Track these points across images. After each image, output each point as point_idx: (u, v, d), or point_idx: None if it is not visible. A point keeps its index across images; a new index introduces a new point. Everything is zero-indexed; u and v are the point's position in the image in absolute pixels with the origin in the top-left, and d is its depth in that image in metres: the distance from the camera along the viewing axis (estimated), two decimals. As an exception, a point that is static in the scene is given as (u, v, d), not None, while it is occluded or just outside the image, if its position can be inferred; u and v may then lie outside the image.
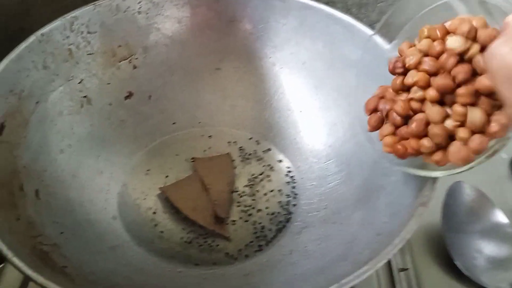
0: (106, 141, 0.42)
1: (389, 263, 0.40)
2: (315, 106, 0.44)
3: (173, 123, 0.46)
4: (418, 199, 0.30)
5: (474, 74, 0.26)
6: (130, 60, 0.44)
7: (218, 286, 0.34)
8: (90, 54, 0.42)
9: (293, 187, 0.41)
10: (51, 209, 0.34)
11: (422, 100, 0.28)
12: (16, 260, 0.25)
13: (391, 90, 0.31)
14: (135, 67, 0.44)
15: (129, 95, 0.44)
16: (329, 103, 0.43)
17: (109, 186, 0.40)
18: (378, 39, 0.35)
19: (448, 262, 0.39)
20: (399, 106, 0.29)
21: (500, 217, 0.40)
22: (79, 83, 0.41)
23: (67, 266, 0.29)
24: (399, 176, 0.33)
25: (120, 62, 0.43)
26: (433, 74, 0.28)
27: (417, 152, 0.28)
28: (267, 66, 0.46)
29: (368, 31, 0.39)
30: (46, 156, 0.37)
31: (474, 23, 0.26)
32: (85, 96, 0.41)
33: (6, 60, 0.35)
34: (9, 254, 0.25)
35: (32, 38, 0.37)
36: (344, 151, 0.41)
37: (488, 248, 0.39)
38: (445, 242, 0.39)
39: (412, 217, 0.28)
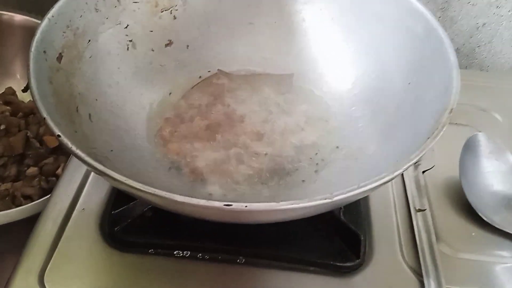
0: (148, 82, 0.46)
1: (407, 204, 0.43)
2: (342, 59, 0.47)
3: (208, 71, 0.49)
4: (434, 127, 0.32)
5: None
6: (171, 11, 0.48)
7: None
8: (135, 2, 0.46)
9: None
10: (102, 131, 0.38)
11: None
12: (81, 154, 0.29)
13: None
14: (175, 17, 0.48)
15: (169, 43, 0.48)
16: (356, 56, 0.46)
17: (152, 120, 0.44)
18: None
19: (464, 206, 0.42)
20: None
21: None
22: (125, 28, 0.45)
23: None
24: (417, 115, 0.36)
25: (162, 12, 0.47)
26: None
27: None
28: (297, 21, 0.49)
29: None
30: (97, 88, 0.41)
31: None
32: (130, 40, 0.45)
33: None
34: (76, 150, 0.29)
35: (86, -18, 0.41)
36: (369, 98, 0.43)
37: (503, 191, 0.41)
38: (461, 187, 0.42)
39: (428, 139, 0.31)
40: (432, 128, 0.31)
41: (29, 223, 0.41)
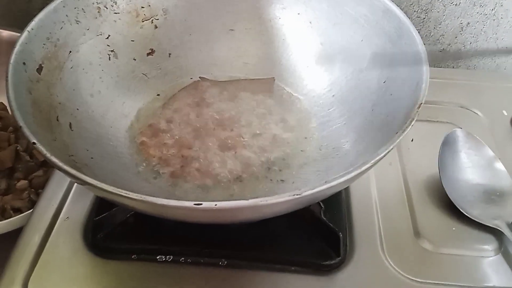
0: (130, 90, 0.46)
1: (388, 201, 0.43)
2: (320, 61, 0.48)
3: (190, 78, 0.50)
4: (404, 122, 0.33)
5: None
6: (152, 20, 0.49)
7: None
8: (116, 13, 0.46)
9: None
10: (83, 139, 0.39)
11: None
12: (55, 159, 0.29)
13: None
14: (156, 26, 0.49)
15: (151, 52, 0.49)
16: (334, 58, 0.47)
17: (134, 127, 0.44)
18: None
19: (444, 201, 0.42)
20: None
21: (491, 155, 0.43)
22: (107, 38, 0.46)
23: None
24: (391, 112, 0.37)
25: (143, 21, 0.48)
26: None
27: None
28: (277, 26, 0.50)
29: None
30: (78, 97, 0.42)
31: None
32: (112, 50, 0.46)
33: (44, 11, 0.40)
34: (51, 156, 0.29)
35: (66, -5, 0.42)
36: (347, 98, 0.44)
37: (482, 185, 0.42)
38: (441, 182, 0.42)
39: (396, 133, 0.31)
40: (402, 123, 0.32)
41: (18, 235, 0.42)
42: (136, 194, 0.27)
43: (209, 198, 0.39)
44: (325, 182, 0.27)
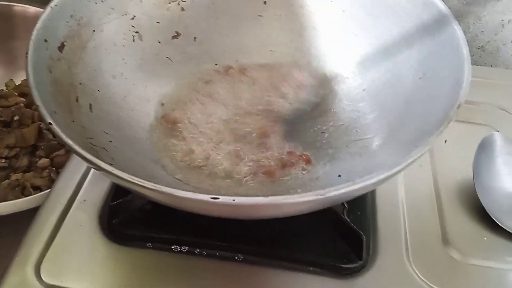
0: (154, 74, 0.45)
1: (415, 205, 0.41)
2: (353, 53, 0.45)
3: (215, 64, 0.48)
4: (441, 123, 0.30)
5: None
6: (179, 2, 0.47)
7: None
8: (143, -7, 0.45)
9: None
10: (102, 122, 0.38)
11: None
12: (69, 141, 0.28)
13: None
14: (183, 9, 0.47)
15: (177, 35, 0.47)
16: (366, 49, 0.44)
17: (155, 112, 0.43)
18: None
19: (477, 209, 0.40)
20: None
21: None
22: (132, 19, 0.44)
23: (112, 164, 0.33)
24: (426, 111, 0.34)
25: (169, 3, 0.47)
26: None
27: None
28: (307, 14, 0.47)
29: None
30: (100, 78, 0.41)
31: None
32: (137, 32, 0.45)
33: (68, -12, 0.39)
34: (66, 138, 0.28)
35: (92, -29, 0.41)
36: (378, 93, 0.42)
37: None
38: (475, 188, 0.40)
39: (431, 135, 0.29)
40: (438, 124, 0.29)
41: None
42: (151, 184, 0.25)
43: (231, 191, 0.38)
44: (351, 183, 0.25)
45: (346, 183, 0.25)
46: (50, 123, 0.29)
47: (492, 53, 0.68)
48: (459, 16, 0.63)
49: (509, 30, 0.64)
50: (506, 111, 0.49)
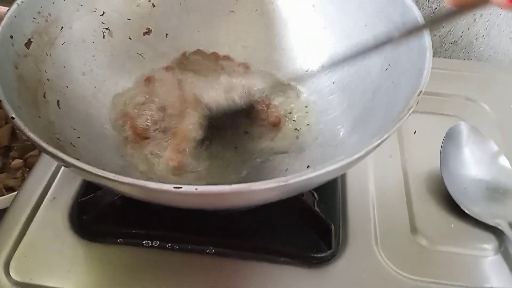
0: (125, 70, 0.45)
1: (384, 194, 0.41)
2: (322, 46, 0.46)
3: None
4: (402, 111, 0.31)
5: None
6: (150, -1, 0.47)
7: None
8: (112, -11, 0.45)
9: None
10: (70, 118, 0.37)
11: None
12: (31, 134, 0.28)
13: None
14: (154, 5, 0.47)
15: (148, 32, 0.47)
16: (336, 43, 0.45)
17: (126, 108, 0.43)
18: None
19: (444, 197, 0.40)
20: None
21: (496, 151, 0.41)
22: (102, 15, 0.44)
23: (78, 159, 0.32)
24: (392, 99, 0.35)
25: (140, 0, 0.46)
26: None
27: None
28: (278, 9, 0.48)
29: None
30: (69, 75, 0.40)
31: None
32: (107, 28, 0.45)
33: (35, -16, 0.39)
34: (28, 132, 0.28)
35: (59, -34, 0.40)
36: (347, 85, 0.42)
37: (484, 182, 0.40)
38: (442, 177, 0.40)
39: (392, 122, 0.29)
40: (400, 111, 0.30)
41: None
42: (114, 175, 0.25)
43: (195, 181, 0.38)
44: (314, 169, 0.25)
45: (307, 169, 0.25)
46: (12, 117, 0.28)
47: (465, 48, 0.69)
48: (431, 12, 0.64)
49: (481, 24, 0.66)
50: (474, 102, 0.50)
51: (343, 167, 0.26)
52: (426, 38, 0.34)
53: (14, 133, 0.61)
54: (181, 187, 0.25)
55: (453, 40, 0.69)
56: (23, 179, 0.56)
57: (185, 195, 0.26)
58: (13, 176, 0.57)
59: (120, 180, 0.25)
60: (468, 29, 0.67)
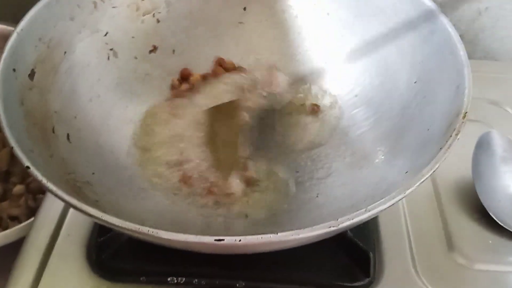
0: (133, 92, 0.42)
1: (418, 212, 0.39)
2: (340, 56, 0.44)
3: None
4: (446, 134, 0.29)
5: None
6: (154, 14, 0.44)
7: (245, 225, 0.34)
8: (114, 7, 0.42)
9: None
10: (82, 152, 0.35)
11: None
12: (53, 187, 0.25)
13: None
14: (158, 21, 0.44)
15: (154, 49, 0.44)
16: (355, 52, 0.43)
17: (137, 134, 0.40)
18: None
19: (478, 210, 0.39)
20: None
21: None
22: (105, 35, 0.41)
23: (98, 200, 0.30)
24: (426, 118, 0.33)
25: (144, 15, 0.44)
26: None
27: None
28: (291, 18, 0.45)
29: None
30: (76, 103, 0.38)
31: None
32: (111, 49, 0.42)
33: (34, 9, 0.36)
34: (48, 183, 0.26)
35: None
36: (372, 99, 0.40)
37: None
38: (475, 189, 0.39)
39: (440, 149, 0.28)
40: (444, 135, 0.28)
41: (17, 246, 0.38)
42: (146, 228, 0.23)
43: (221, 213, 0.36)
44: (365, 210, 0.23)
45: (360, 211, 0.23)
46: (28, 167, 0.26)
47: (471, 42, 0.68)
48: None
49: (486, 17, 0.64)
50: (497, 105, 0.48)
51: (396, 202, 0.25)
52: (462, 53, 0.32)
53: (13, 156, 0.58)
54: (223, 240, 0.23)
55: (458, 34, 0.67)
56: (27, 207, 0.54)
57: (227, 247, 0.24)
58: (16, 204, 0.54)
59: (158, 235, 0.23)
60: (473, 22, 0.65)
